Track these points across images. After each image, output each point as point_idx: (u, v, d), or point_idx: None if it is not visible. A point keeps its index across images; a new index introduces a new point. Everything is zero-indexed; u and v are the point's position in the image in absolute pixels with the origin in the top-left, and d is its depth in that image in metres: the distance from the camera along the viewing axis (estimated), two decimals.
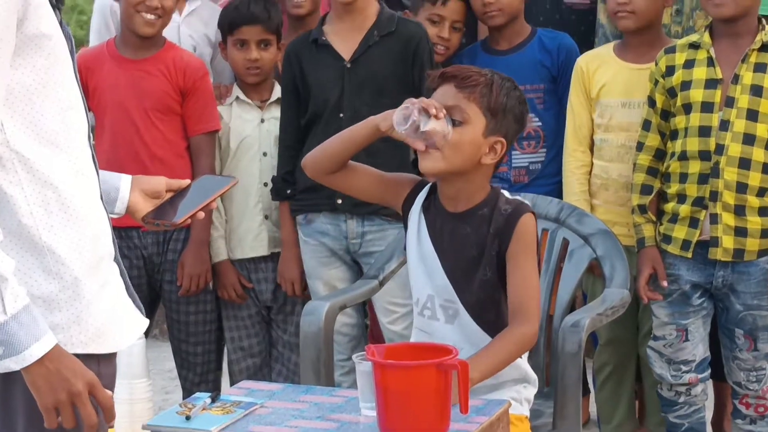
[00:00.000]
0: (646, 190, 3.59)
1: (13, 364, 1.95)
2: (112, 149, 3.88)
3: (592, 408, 4.18)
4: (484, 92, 2.70)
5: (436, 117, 2.63)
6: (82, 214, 2.09)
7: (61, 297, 2.05)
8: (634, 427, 4.02)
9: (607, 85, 3.74)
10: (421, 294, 2.80)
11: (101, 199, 2.18)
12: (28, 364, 1.95)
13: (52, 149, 2.05)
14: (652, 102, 3.58)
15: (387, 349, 2.40)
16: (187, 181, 2.47)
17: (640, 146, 3.60)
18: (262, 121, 3.98)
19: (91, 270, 2.09)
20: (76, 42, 2.31)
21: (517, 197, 2.79)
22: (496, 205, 2.73)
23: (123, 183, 2.38)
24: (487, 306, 2.73)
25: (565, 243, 3.27)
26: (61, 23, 2.09)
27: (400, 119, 2.62)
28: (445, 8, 3.95)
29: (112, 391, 2.15)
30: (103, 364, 2.14)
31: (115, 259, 2.19)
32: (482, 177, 2.76)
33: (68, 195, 2.06)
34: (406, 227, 2.85)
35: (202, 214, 2.40)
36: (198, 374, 4.04)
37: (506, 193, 2.79)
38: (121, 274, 2.20)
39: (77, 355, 2.04)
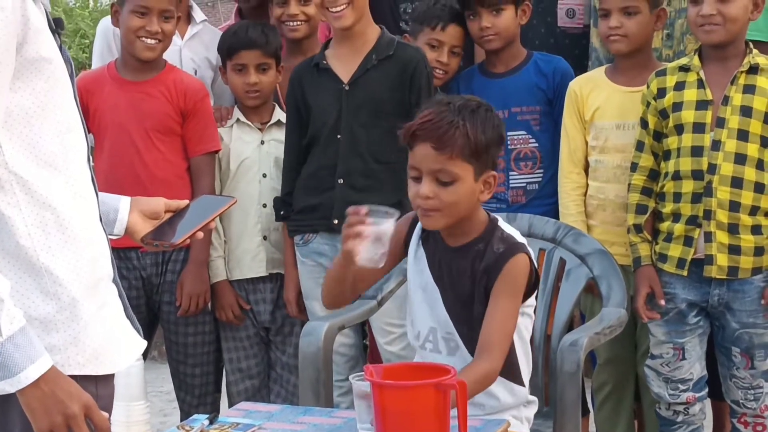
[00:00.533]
0: (641, 209, 3.61)
1: (8, 387, 1.95)
2: (111, 170, 3.88)
3: (592, 428, 4.17)
4: (464, 143, 2.63)
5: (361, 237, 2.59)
6: (81, 235, 2.09)
7: (58, 318, 2.06)
8: None
9: (601, 108, 3.77)
10: (423, 327, 2.79)
11: (100, 220, 2.19)
12: (23, 386, 1.95)
13: (50, 171, 2.06)
14: (644, 123, 3.61)
15: (385, 369, 2.39)
16: (186, 202, 2.48)
17: (634, 167, 3.63)
18: (262, 143, 4.00)
19: (89, 291, 2.10)
20: (79, 65, 2.33)
21: (513, 235, 2.77)
22: (491, 242, 2.73)
23: (122, 204, 2.39)
24: None
25: (562, 263, 3.28)
26: (60, 47, 2.11)
27: (370, 259, 2.58)
28: (444, 33, 3.97)
29: (110, 413, 2.15)
30: (100, 385, 2.14)
31: (114, 280, 2.19)
32: (478, 209, 2.77)
33: (66, 217, 2.07)
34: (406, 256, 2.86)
35: (201, 234, 2.40)
36: (196, 396, 4.04)
37: (504, 226, 2.78)
38: (120, 296, 2.20)
39: (74, 377, 2.04)
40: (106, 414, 2.06)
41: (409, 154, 2.70)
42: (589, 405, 4.16)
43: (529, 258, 2.71)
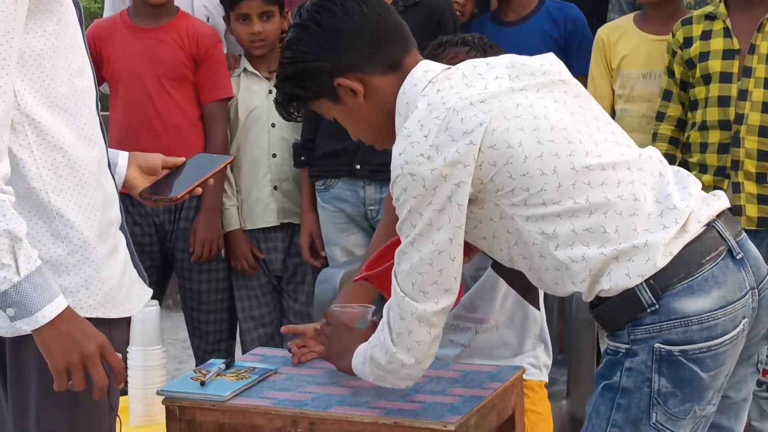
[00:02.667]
0: (668, 159, 3.58)
1: (25, 326, 1.96)
2: (126, 118, 3.89)
3: None
4: None
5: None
6: (92, 179, 2.09)
7: (69, 261, 2.06)
8: None
9: (628, 56, 3.74)
10: None
11: (108, 167, 2.18)
12: (40, 325, 1.96)
13: (61, 114, 2.05)
14: (671, 73, 3.58)
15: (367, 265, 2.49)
16: (183, 159, 2.48)
17: (660, 116, 3.61)
18: (270, 92, 3.97)
19: (101, 235, 2.10)
20: (90, 14, 2.32)
21: None
22: None
23: (120, 159, 2.39)
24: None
25: None
26: None
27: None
28: None
29: (124, 357, 2.17)
30: (114, 328, 2.14)
31: (122, 228, 2.19)
32: None
33: (77, 160, 2.06)
34: None
35: (199, 190, 2.42)
36: (210, 343, 4.06)
37: None
38: (127, 243, 2.20)
39: (87, 319, 2.05)
40: (119, 355, 2.07)
41: None
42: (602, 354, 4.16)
43: None
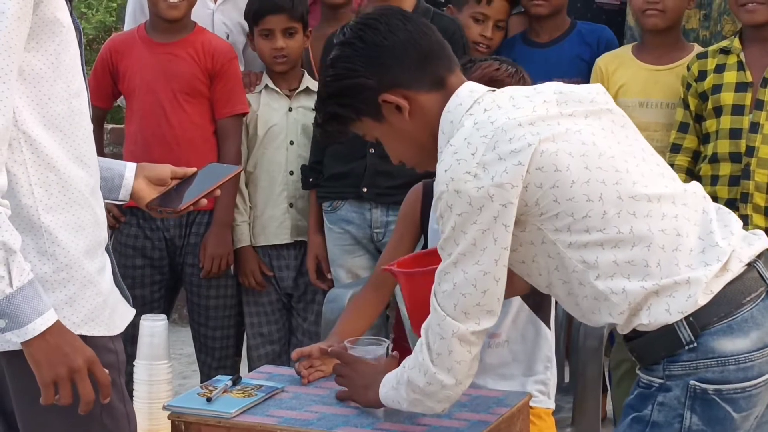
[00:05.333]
0: None
1: (15, 338, 1.98)
2: (140, 131, 3.91)
3: (608, 406, 4.17)
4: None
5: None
6: (82, 198, 2.11)
7: (55, 278, 2.07)
8: None
9: (626, 85, 3.75)
10: None
11: (99, 188, 2.20)
12: (30, 337, 1.97)
13: (57, 133, 2.07)
14: (686, 105, 3.60)
15: (398, 264, 2.48)
16: (194, 169, 2.48)
17: (677, 148, 3.62)
18: (290, 110, 4.00)
19: (89, 254, 2.11)
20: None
21: None
22: None
23: (127, 171, 2.41)
24: (535, 290, 2.69)
25: None
26: (71, 14, 2.12)
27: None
28: (490, 7, 3.95)
29: (121, 372, 2.18)
30: (114, 342, 2.17)
31: (107, 249, 2.21)
32: None
33: (69, 179, 2.08)
34: (425, 232, 2.85)
35: (205, 201, 2.42)
36: (216, 359, 4.05)
37: None
38: (112, 263, 2.22)
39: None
40: (107, 370, 2.08)
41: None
42: (607, 383, 4.16)
43: None
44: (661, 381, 2.09)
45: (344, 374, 2.48)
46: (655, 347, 2.09)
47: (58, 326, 2.01)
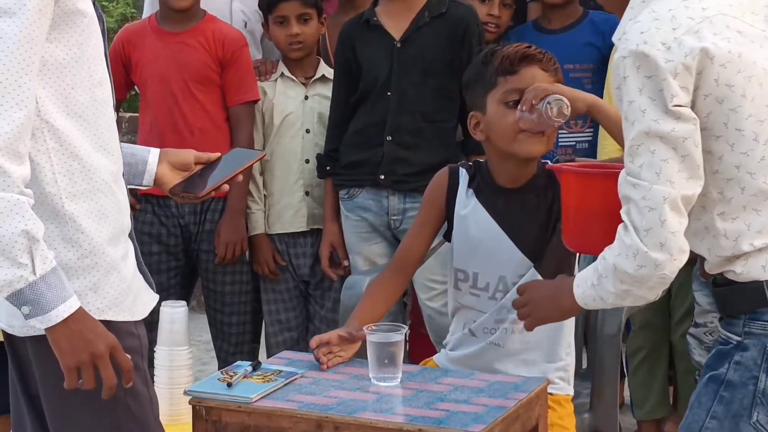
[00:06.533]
0: None
1: (39, 324, 2.01)
2: (154, 121, 3.93)
3: (626, 392, 4.19)
4: (558, 70, 2.76)
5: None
6: (105, 186, 2.13)
7: (79, 265, 2.10)
8: (668, 412, 4.02)
9: None
10: (491, 277, 2.78)
11: (122, 176, 2.22)
12: (53, 324, 2.00)
13: (80, 122, 2.10)
14: None
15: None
16: (217, 154, 2.50)
17: None
18: (306, 98, 4.00)
19: (112, 241, 2.14)
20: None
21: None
22: (546, 171, 2.74)
23: (151, 156, 2.42)
24: (564, 269, 2.71)
25: None
26: (94, 3, 2.14)
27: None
28: None
29: (144, 357, 2.21)
30: (137, 326, 2.19)
31: (130, 235, 2.23)
32: None
33: (92, 167, 2.11)
34: (450, 218, 2.86)
35: (227, 187, 2.44)
36: (233, 344, 4.07)
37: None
38: (135, 250, 2.24)
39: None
40: (128, 356, 2.11)
41: (503, 80, 2.73)
42: (624, 369, 4.17)
43: None
44: (739, 339, 2.09)
45: (526, 300, 2.47)
46: (739, 300, 2.09)
47: (80, 313, 2.03)
